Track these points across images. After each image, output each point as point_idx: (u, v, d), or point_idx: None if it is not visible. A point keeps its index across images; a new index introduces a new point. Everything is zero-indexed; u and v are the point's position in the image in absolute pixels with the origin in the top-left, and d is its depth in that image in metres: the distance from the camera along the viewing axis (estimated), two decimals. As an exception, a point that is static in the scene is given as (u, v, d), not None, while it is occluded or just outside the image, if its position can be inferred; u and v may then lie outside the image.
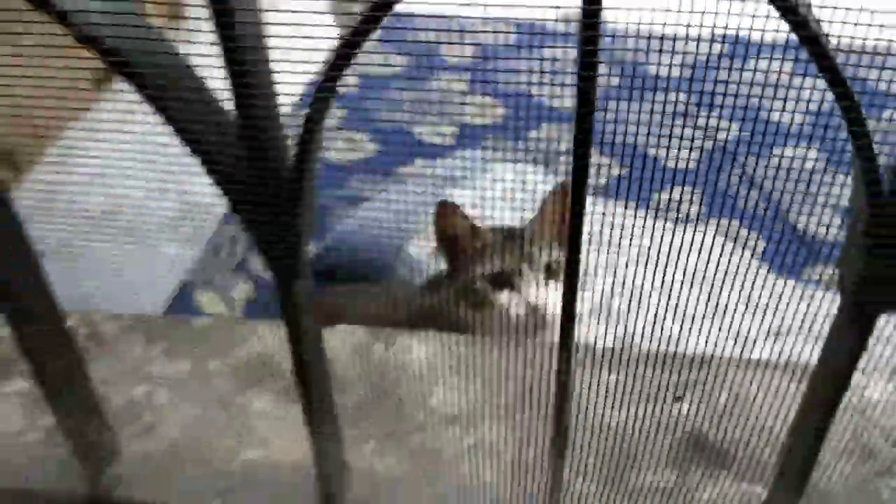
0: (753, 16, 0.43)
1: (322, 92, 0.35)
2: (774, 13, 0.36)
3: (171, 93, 0.33)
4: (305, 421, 0.44)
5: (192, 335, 0.64)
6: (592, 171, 1.76)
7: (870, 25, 0.37)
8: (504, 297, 0.97)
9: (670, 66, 0.46)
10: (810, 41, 0.29)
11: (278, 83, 0.37)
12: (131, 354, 0.54)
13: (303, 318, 0.42)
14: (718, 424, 0.51)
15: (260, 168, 0.35)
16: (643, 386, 0.57)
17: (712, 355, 0.60)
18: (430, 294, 1.04)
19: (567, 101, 1.89)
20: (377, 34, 1.70)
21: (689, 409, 0.55)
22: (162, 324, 0.68)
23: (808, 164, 1.85)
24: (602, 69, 1.83)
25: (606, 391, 0.56)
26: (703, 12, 0.42)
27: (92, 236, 0.46)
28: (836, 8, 0.36)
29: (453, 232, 1.00)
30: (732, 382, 0.56)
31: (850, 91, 0.29)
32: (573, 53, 1.88)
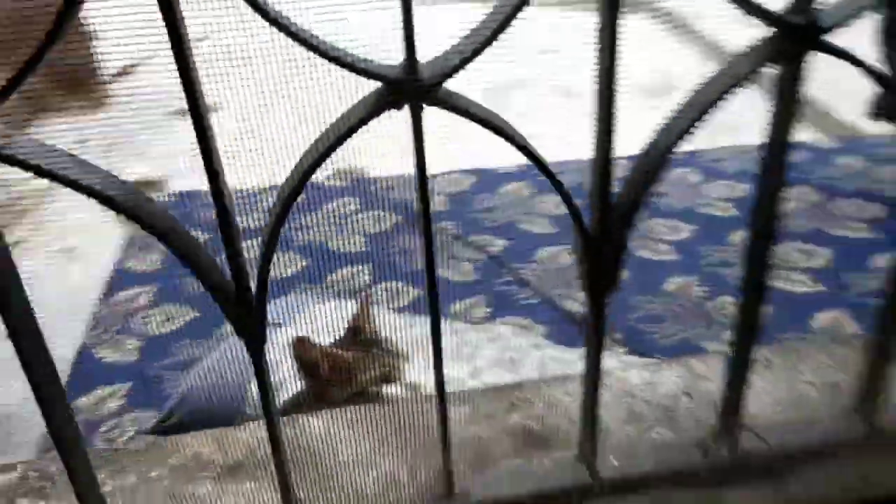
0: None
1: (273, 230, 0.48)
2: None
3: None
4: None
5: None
6: (395, 295, 1.91)
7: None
8: (393, 389, 1.11)
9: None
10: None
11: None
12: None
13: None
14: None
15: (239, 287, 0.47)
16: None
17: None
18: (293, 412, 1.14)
19: (355, 244, 2.09)
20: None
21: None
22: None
23: (564, 259, 2.13)
24: (383, 214, 2.07)
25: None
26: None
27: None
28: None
29: (312, 359, 1.13)
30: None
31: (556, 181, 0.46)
32: (353, 204, 2.12)
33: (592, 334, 0.53)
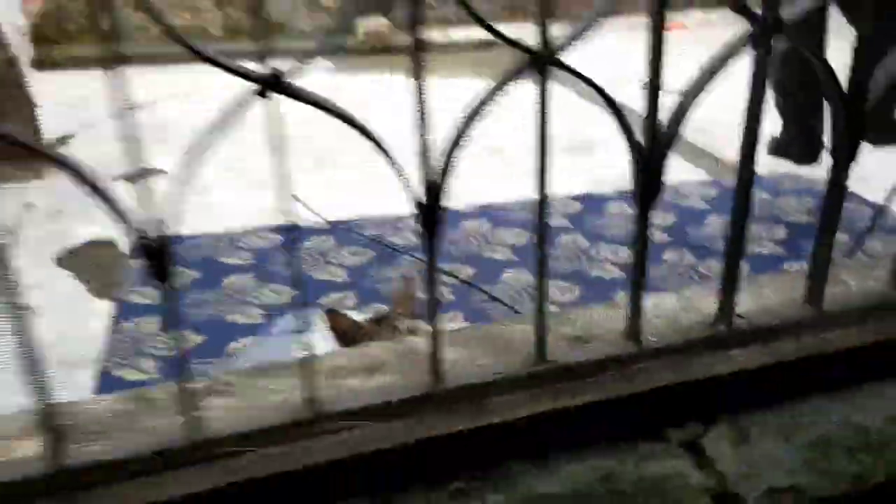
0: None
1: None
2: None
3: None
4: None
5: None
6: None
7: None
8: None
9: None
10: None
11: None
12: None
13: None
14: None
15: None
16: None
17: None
18: None
19: (337, 275, 2.39)
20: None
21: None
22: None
23: (527, 279, 2.42)
24: (359, 250, 2.37)
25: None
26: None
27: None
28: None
29: (342, 328, 1.35)
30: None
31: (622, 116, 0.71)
32: (329, 242, 2.44)
33: (640, 234, 0.79)
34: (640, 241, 0.80)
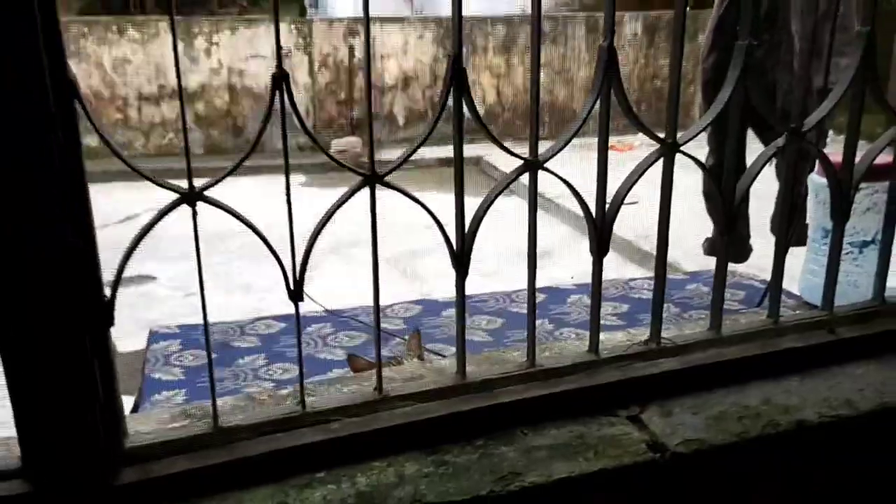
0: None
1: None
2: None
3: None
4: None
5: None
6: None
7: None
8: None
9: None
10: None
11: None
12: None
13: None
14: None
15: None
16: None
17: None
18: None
19: (337, 355, 2.84)
20: (177, 344, 2.50)
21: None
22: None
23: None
24: (354, 334, 2.83)
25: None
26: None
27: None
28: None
29: (359, 367, 1.74)
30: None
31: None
32: (328, 328, 2.91)
33: (596, 282, 1.21)
34: (597, 282, 1.23)
